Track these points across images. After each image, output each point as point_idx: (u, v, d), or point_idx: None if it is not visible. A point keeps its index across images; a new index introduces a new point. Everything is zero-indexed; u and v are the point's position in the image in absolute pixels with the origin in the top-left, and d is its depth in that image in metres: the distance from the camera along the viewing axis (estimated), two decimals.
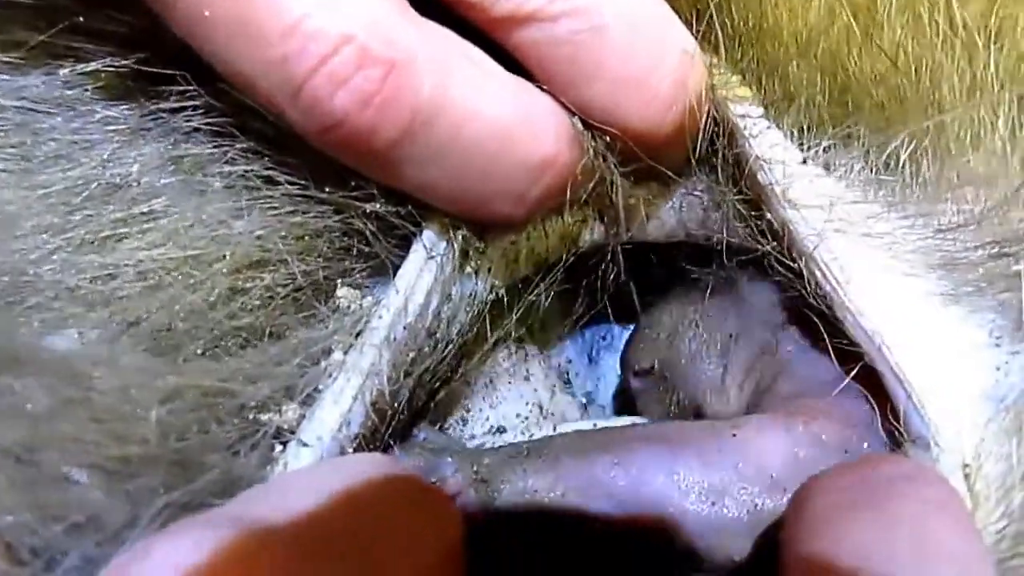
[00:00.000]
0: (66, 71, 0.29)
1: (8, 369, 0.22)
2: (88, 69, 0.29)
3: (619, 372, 0.41)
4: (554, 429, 0.36)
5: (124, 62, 0.29)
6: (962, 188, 0.27)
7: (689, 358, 0.34)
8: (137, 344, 0.24)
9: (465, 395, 0.39)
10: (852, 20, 0.28)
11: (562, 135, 0.27)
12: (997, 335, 0.26)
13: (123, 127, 0.30)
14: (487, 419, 0.40)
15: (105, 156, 0.29)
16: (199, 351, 0.25)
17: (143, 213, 0.29)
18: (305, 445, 0.26)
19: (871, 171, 0.28)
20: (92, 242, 0.29)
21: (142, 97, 0.29)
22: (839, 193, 0.28)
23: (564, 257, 0.32)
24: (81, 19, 0.28)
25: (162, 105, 0.28)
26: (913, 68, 0.28)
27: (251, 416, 0.25)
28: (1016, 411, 0.25)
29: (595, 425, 0.36)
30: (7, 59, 0.29)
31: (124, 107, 0.30)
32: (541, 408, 0.41)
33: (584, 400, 0.42)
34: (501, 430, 0.39)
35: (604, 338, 0.44)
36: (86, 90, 0.30)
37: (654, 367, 0.35)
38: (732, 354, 0.33)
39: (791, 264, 0.29)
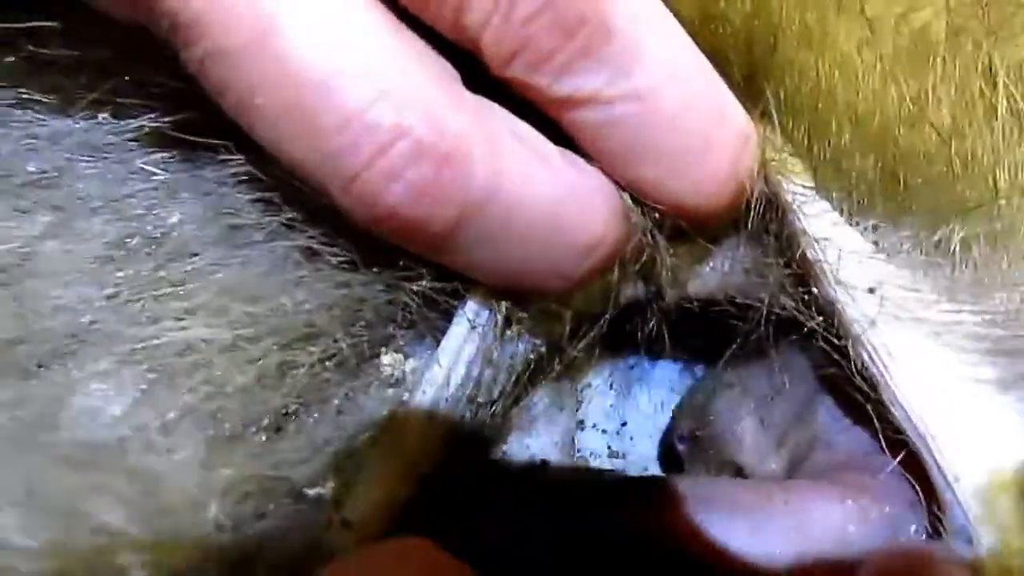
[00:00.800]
0: (106, 115, 0.29)
1: (76, 469, 0.22)
2: (131, 126, 0.29)
3: (650, 405, 0.41)
4: None
5: (167, 121, 0.28)
6: (1013, 274, 0.27)
7: (725, 418, 0.34)
8: (191, 431, 0.24)
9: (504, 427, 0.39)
10: (905, 93, 0.28)
11: (610, 214, 0.27)
12: None
13: (165, 179, 0.29)
14: (527, 447, 0.40)
15: (145, 209, 0.29)
16: (251, 434, 0.25)
17: (187, 272, 0.29)
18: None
19: (921, 252, 0.28)
20: (136, 301, 0.29)
21: (185, 161, 0.28)
22: (889, 275, 0.28)
23: (608, 313, 0.32)
24: (127, 78, 0.28)
25: (206, 173, 0.28)
26: (969, 148, 0.27)
27: (300, 497, 0.26)
28: None
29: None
30: (47, 100, 0.29)
31: (166, 162, 0.29)
32: (573, 440, 0.42)
33: (616, 432, 0.43)
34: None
35: (632, 368, 0.44)
36: (127, 139, 0.29)
37: (695, 430, 0.36)
38: (769, 415, 0.33)
39: (836, 341, 0.29)
